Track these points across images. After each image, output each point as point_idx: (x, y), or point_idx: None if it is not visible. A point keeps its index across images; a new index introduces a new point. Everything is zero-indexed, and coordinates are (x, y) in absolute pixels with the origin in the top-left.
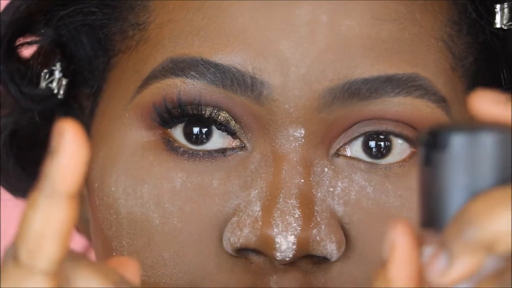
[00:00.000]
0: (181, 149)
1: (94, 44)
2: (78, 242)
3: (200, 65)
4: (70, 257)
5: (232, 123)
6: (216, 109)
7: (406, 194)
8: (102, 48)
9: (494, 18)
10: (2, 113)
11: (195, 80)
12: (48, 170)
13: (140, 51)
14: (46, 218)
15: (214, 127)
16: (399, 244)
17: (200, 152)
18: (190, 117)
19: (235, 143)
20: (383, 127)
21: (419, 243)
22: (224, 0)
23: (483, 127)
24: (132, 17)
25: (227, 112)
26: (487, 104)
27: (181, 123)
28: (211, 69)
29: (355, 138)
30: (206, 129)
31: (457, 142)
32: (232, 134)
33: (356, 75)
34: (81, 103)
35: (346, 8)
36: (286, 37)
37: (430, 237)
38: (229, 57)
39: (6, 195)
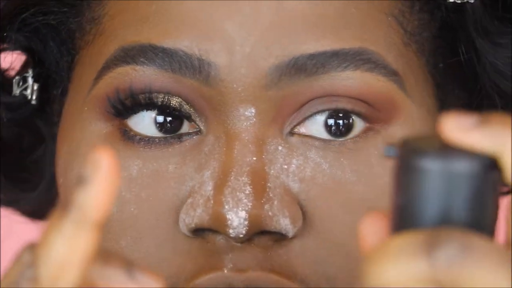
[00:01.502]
0: (137, 137)
1: (59, 45)
2: None
3: (148, 51)
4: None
5: (185, 106)
6: (168, 95)
7: (362, 169)
8: (66, 48)
9: None
10: None
11: (145, 66)
12: (78, 198)
13: (96, 44)
14: (71, 246)
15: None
16: (370, 237)
17: (156, 139)
18: (143, 107)
19: (190, 126)
20: (334, 104)
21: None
22: None
23: (455, 152)
24: (88, 12)
25: (179, 97)
26: (454, 130)
27: (135, 113)
28: (159, 54)
29: (311, 117)
30: (170, 118)
31: (427, 167)
32: (187, 118)
33: (302, 50)
34: (53, 107)
35: None
36: (231, 17)
37: None
38: (176, 41)
39: None
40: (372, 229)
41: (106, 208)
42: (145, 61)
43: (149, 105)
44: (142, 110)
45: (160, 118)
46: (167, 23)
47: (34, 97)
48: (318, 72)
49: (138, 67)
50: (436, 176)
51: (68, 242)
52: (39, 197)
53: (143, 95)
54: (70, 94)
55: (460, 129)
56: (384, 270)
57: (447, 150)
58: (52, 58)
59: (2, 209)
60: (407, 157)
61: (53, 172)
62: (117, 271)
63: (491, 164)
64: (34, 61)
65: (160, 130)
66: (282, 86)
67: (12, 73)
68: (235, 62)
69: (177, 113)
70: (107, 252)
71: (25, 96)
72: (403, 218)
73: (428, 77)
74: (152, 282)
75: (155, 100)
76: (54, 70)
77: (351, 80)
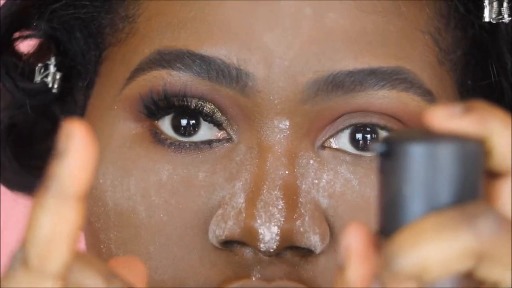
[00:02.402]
0: (168, 141)
1: (86, 38)
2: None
3: (186, 57)
4: (75, 257)
5: (218, 114)
6: (202, 100)
7: None
8: (94, 42)
9: (482, 12)
10: None
11: (181, 72)
12: (56, 171)
13: (129, 43)
14: (55, 220)
15: (201, 119)
16: (353, 247)
17: (187, 144)
18: (176, 108)
19: (221, 134)
20: (367, 119)
21: (377, 246)
22: None
23: (440, 138)
24: (122, 10)
25: (213, 104)
26: (441, 119)
27: (167, 114)
28: (197, 61)
29: (341, 130)
30: (193, 121)
31: (412, 152)
32: (219, 125)
33: (340, 67)
34: (75, 97)
35: (330, 1)
36: (271, 29)
37: (384, 244)
38: (215, 49)
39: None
40: (355, 237)
41: (84, 180)
42: (182, 67)
43: (182, 108)
44: (175, 114)
45: (184, 122)
46: (206, 30)
47: (55, 86)
48: (355, 90)
49: (174, 72)
50: (421, 161)
51: (51, 218)
52: None
53: (177, 98)
54: (98, 89)
55: (446, 116)
56: (425, 249)
57: (433, 136)
58: (77, 49)
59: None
60: (393, 147)
61: None
62: (96, 277)
63: (476, 147)
64: (57, 50)
65: (176, 132)
66: (318, 101)
67: (35, 59)
68: (273, 74)
69: (208, 119)
70: (88, 256)
71: (45, 84)
72: (392, 210)
73: (457, 95)
74: None
75: (189, 104)
76: (79, 62)
77: (387, 99)
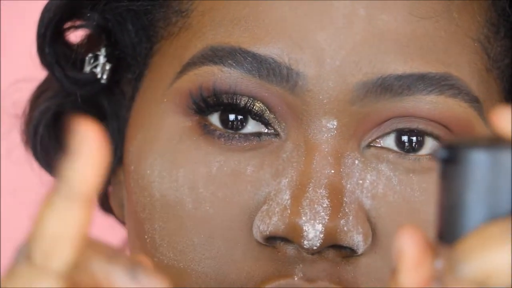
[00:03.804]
0: (218, 132)
1: (138, 30)
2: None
3: (238, 54)
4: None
5: (267, 113)
6: (251, 99)
7: (431, 188)
8: (146, 35)
9: None
10: (47, 95)
11: (232, 68)
12: (66, 172)
13: (181, 37)
14: (62, 220)
15: (248, 116)
16: (407, 251)
17: (236, 136)
18: (225, 106)
19: (269, 131)
20: (414, 125)
21: (432, 250)
22: None
23: (502, 144)
24: (176, 4)
25: (262, 102)
26: (507, 121)
27: (216, 111)
28: (248, 58)
29: (388, 134)
30: (241, 117)
31: (476, 159)
32: (266, 124)
33: (390, 70)
34: (123, 89)
35: (384, 3)
36: (323, 28)
37: (443, 249)
38: (267, 48)
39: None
40: (409, 242)
41: (94, 182)
42: (233, 64)
43: (231, 106)
44: (223, 110)
45: (232, 117)
46: (259, 28)
47: (104, 77)
48: (403, 94)
49: (225, 69)
50: (484, 167)
51: (59, 217)
52: None
53: (226, 95)
54: (147, 82)
55: (510, 119)
56: (492, 255)
57: (496, 142)
58: (128, 41)
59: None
60: (455, 153)
61: (112, 151)
62: (121, 271)
63: None
64: (108, 41)
65: (225, 126)
66: (367, 102)
67: (85, 50)
68: (323, 74)
69: (257, 118)
70: (113, 251)
71: (94, 74)
72: (453, 216)
73: (504, 103)
74: (155, 283)
75: (238, 102)
76: (129, 54)
77: (434, 105)
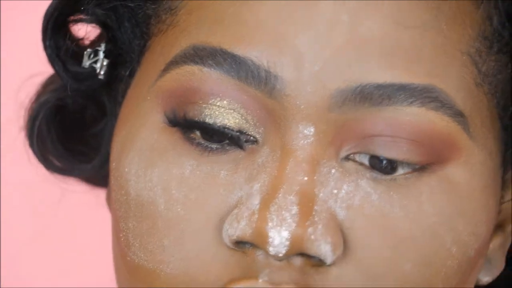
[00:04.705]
0: (196, 140)
1: (134, 27)
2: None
3: (218, 55)
4: None
5: (245, 116)
6: (230, 101)
7: (411, 205)
8: (140, 31)
9: None
10: (50, 89)
11: (212, 69)
12: None
13: (169, 35)
14: None
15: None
16: None
17: (214, 146)
18: (202, 109)
19: (247, 138)
20: (394, 152)
21: None
22: None
23: None
24: (167, 1)
25: (240, 105)
26: None
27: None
28: (228, 59)
29: (366, 153)
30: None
31: None
32: (242, 130)
33: (370, 79)
34: (119, 86)
35: (369, 9)
36: (304, 32)
37: None
38: (247, 49)
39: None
40: None
41: None
42: (213, 64)
43: (209, 109)
44: (201, 112)
45: (209, 131)
46: (240, 29)
47: (102, 72)
48: (383, 103)
49: (205, 69)
50: None
51: None
52: (93, 170)
53: (204, 99)
54: (137, 78)
55: None
56: None
57: None
58: (125, 37)
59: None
60: None
61: (109, 150)
62: None
63: None
64: (107, 37)
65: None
66: (345, 110)
67: (85, 44)
68: (302, 78)
69: (237, 120)
70: None
71: (94, 69)
72: None
73: (495, 119)
74: None
75: (217, 104)
76: (125, 50)
77: (415, 117)
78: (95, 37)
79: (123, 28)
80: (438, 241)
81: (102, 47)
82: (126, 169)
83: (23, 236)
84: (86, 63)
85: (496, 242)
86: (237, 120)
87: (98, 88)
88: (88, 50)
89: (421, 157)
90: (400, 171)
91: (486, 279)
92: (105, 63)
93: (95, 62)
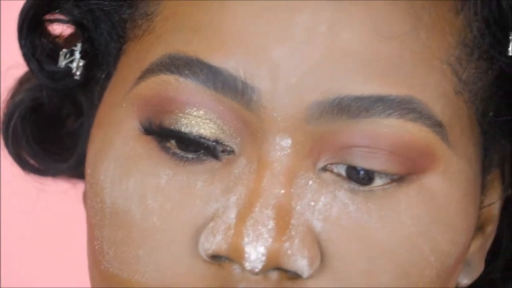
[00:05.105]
0: (172, 150)
1: (110, 29)
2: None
3: (194, 65)
4: None
5: (222, 126)
6: (206, 111)
7: (388, 216)
8: (116, 34)
9: (508, 45)
10: (25, 87)
11: (188, 79)
12: None
13: (145, 41)
14: None
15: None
16: None
17: (190, 156)
18: (178, 118)
19: (224, 148)
20: (370, 163)
21: None
22: (229, 0)
23: None
24: (143, 6)
25: (217, 115)
26: None
27: (170, 121)
28: (204, 70)
29: (343, 164)
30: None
31: None
32: (218, 141)
33: (348, 91)
34: (95, 87)
35: (346, 20)
36: (281, 43)
37: None
38: (223, 59)
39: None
40: None
41: None
42: (189, 74)
43: (185, 118)
44: (178, 121)
45: (185, 140)
46: (217, 38)
47: (78, 73)
48: (360, 116)
49: (181, 79)
50: None
51: None
52: (69, 170)
53: (181, 108)
54: (113, 82)
55: None
56: None
57: None
58: (102, 39)
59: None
60: None
61: (85, 149)
62: None
63: None
64: (84, 37)
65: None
66: (322, 122)
67: (61, 43)
68: (279, 90)
69: (213, 130)
70: None
71: (70, 69)
72: None
73: (475, 125)
74: None
75: (193, 114)
76: (102, 52)
77: (393, 128)
78: (71, 36)
79: (99, 29)
80: (416, 251)
81: (78, 47)
82: (102, 177)
83: (23, 236)
84: (62, 62)
85: (476, 244)
86: (213, 130)
87: (74, 87)
88: (64, 50)
89: (399, 168)
90: (378, 181)
91: (465, 281)
92: (81, 63)
93: (71, 62)
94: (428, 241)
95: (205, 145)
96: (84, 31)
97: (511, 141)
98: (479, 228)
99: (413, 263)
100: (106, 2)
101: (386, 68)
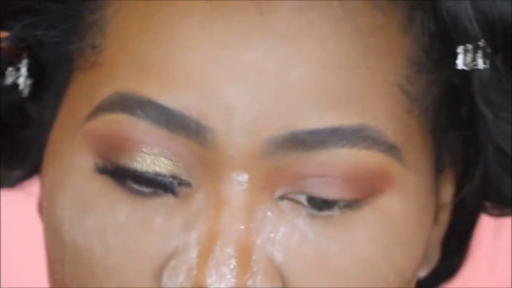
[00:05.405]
0: (129, 185)
1: (57, 53)
2: None
3: (146, 105)
4: None
5: (176, 163)
6: (161, 150)
7: (347, 240)
8: (64, 59)
9: (456, 58)
10: None
11: (140, 119)
12: None
13: (94, 74)
14: None
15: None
16: None
17: (147, 190)
18: (131, 156)
19: (180, 181)
20: (327, 192)
21: None
22: (179, 35)
23: None
24: (89, 37)
25: (171, 152)
26: None
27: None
28: (157, 109)
29: (301, 193)
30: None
31: None
32: (174, 176)
33: (302, 125)
34: (44, 107)
35: (295, 56)
36: (233, 83)
37: None
38: (176, 99)
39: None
40: None
41: None
42: (141, 114)
43: (140, 156)
44: (132, 160)
45: (142, 179)
46: (168, 77)
47: (26, 91)
48: (316, 148)
49: (133, 118)
50: None
51: None
52: (18, 181)
53: (134, 147)
54: (63, 113)
55: None
56: None
57: None
58: (48, 61)
59: None
60: None
61: (38, 159)
62: None
63: None
64: (29, 55)
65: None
66: (278, 157)
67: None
68: (233, 129)
69: (169, 167)
70: None
71: (17, 85)
72: None
73: (427, 136)
74: None
75: (148, 152)
76: (49, 74)
77: (347, 157)
78: (19, 49)
79: (44, 51)
80: (375, 273)
81: (24, 64)
82: (59, 212)
83: (23, 236)
84: (9, 79)
85: (432, 235)
86: (169, 167)
87: (22, 102)
88: (9, 69)
89: (356, 194)
90: (336, 208)
91: (423, 274)
92: (28, 82)
93: (17, 78)
94: (387, 261)
95: (162, 182)
96: (29, 50)
97: (461, 143)
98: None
99: (372, 284)
100: (52, 33)
101: (337, 99)
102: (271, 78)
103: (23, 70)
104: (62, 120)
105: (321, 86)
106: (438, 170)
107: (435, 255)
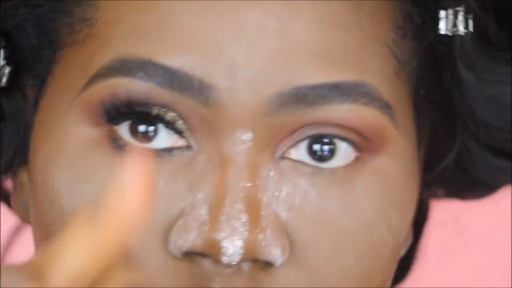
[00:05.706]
0: (127, 147)
1: (39, 35)
2: None
3: (148, 67)
4: None
5: (180, 122)
6: (164, 108)
7: (348, 200)
8: (47, 40)
9: (438, 24)
10: None
11: (143, 81)
12: (113, 206)
13: (87, 47)
14: (91, 255)
15: (161, 125)
16: None
17: (146, 151)
18: (138, 114)
19: (182, 142)
20: (327, 130)
21: None
22: (176, 0)
23: None
24: (79, 12)
25: (175, 112)
26: None
27: (127, 120)
28: (159, 71)
29: (300, 141)
30: (153, 127)
31: None
32: (179, 133)
33: (304, 81)
34: (25, 92)
35: (295, 14)
36: (235, 41)
37: None
38: (178, 60)
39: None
40: None
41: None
42: (144, 76)
43: (143, 114)
44: (135, 119)
45: (142, 128)
46: (169, 39)
47: (4, 80)
48: (318, 103)
49: (135, 81)
50: None
51: (89, 252)
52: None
53: (138, 104)
54: (52, 90)
55: None
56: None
57: None
58: (29, 45)
59: None
60: None
61: (11, 155)
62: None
63: None
64: (7, 43)
65: (135, 137)
66: (281, 114)
67: None
68: (236, 86)
69: (170, 126)
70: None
71: None
72: None
73: (410, 105)
74: None
75: (150, 110)
76: (30, 58)
77: (348, 113)
78: None
79: (25, 35)
80: (375, 233)
81: (1, 53)
82: (56, 185)
83: (23, 236)
84: None
85: None
86: (173, 116)
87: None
88: None
89: (357, 139)
90: (339, 160)
91: (402, 252)
92: (7, 70)
93: None
94: (384, 221)
95: (165, 120)
96: (6, 38)
97: (438, 112)
98: None
99: (373, 244)
100: (40, 10)
101: (335, 56)
102: (273, 34)
103: (1, 60)
104: (52, 98)
105: (319, 43)
106: (418, 142)
107: (409, 237)
